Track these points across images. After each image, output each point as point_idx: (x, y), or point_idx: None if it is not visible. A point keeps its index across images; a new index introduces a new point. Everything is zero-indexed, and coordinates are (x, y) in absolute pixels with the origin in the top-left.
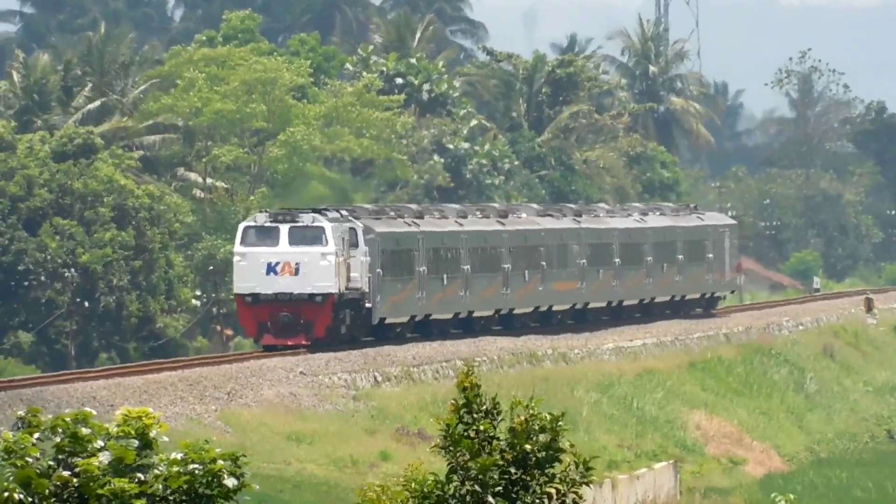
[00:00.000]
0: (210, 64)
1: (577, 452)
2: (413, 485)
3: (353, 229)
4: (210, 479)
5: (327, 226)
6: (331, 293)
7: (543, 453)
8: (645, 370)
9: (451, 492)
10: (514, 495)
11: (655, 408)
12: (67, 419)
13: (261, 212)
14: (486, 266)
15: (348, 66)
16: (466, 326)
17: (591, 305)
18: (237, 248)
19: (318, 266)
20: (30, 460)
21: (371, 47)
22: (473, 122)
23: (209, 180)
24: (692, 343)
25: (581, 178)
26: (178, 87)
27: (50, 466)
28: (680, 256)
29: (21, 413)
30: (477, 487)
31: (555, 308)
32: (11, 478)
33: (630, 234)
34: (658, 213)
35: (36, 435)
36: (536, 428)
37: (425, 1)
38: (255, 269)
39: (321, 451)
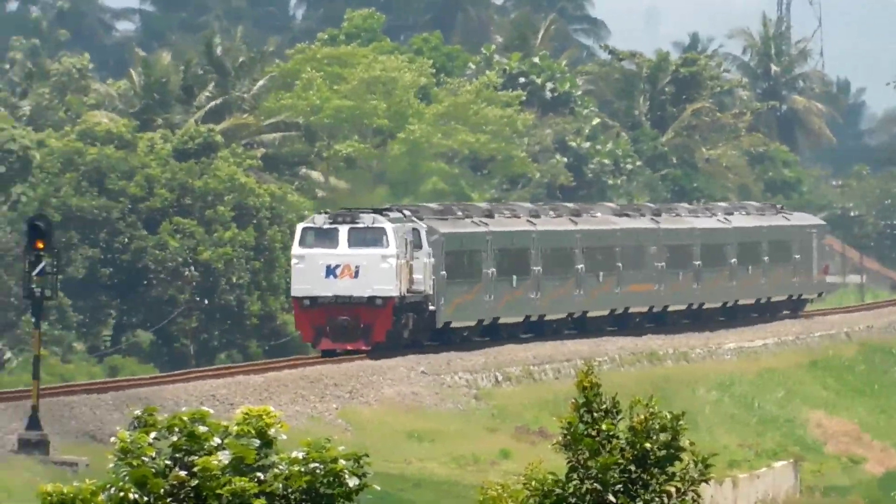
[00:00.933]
0: (332, 63)
1: (697, 451)
2: (533, 483)
3: (416, 230)
4: (331, 478)
5: (388, 227)
6: (391, 296)
7: (663, 452)
8: (765, 369)
9: (571, 490)
10: (633, 494)
11: (776, 407)
12: (184, 418)
13: (320, 212)
14: (559, 267)
15: (471, 65)
16: (537, 330)
17: (670, 308)
18: (295, 249)
19: (379, 268)
20: (146, 460)
21: (493, 47)
22: (595, 121)
23: (330, 179)
24: (813, 342)
25: (703, 176)
26: (299, 85)
27: (167, 466)
28: (765, 258)
29: (137, 412)
30: (597, 486)
31: (631, 310)
32: (127, 477)
33: (712, 235)
34: (743, 213)
35: (152, 434)
36: (657, 426)
37: (547, 0)
38: (313, 271)
39: (442, 450)
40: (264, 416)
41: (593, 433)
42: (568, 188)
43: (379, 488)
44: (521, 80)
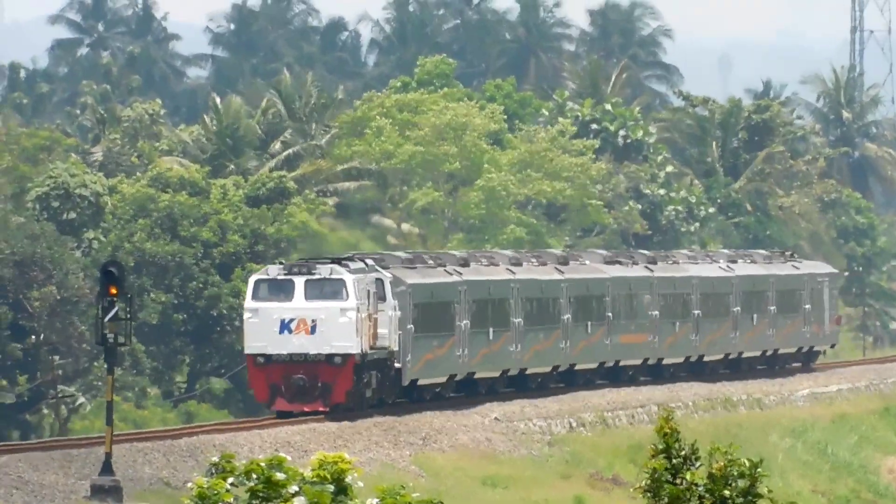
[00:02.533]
0: (402, 109)
1: (775, 498)
2: None
3: (380, 280)
4: None
5: (348, 278)
6: (351, 353)
7: (742, 499)
8: (839, 415)
9: None
10: None
11: (849, 453)
12: (262, 464)
13: (274, 263)
14: (542, 318)
15: (544, 111)
16: (520, 385)
17: (665, 361)
18: (247, 303)
19: (337, 323)
20: None
21: (566, 93)
22: (669, 168)
23: (403, 226)
24: (886, 388)
25: (776, 223)
26: (370, 132)
27: None
28: (772, 308)
29: (215, 459)
30: None
31: (623, 363)
32: None
33: (713, 284)
34: (748, 261)
35: (230, 480)
36: (735, 474)
37: (619, 46)
38: (267, 326)
39: (516, 496)
40: (339, 463)
41: (677, 481)
42: (642, 235)
43: None
44: (594, 126)
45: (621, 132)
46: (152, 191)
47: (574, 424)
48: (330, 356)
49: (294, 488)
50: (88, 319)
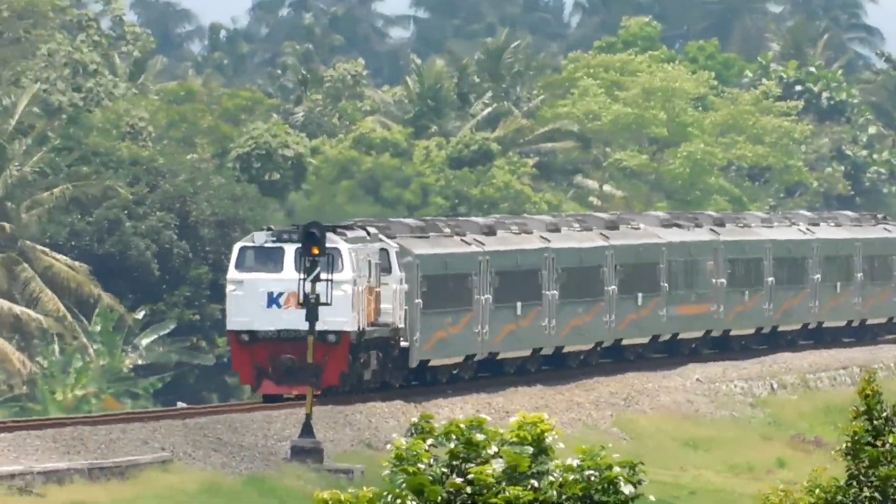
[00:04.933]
0: (608, 70)
1: None
2: (818, 491)
3: (384, 251)
4: (606, 485)
5: (343, 247)
6: (346, 331)
7: None
8: None
9: (851, 499)
10: None
11: None
12: (461, 425)
13: (261, 229)
14: (582, 290)
15: (747, 73)
16: (556, 364)
17: (732, 332)
18: (231, 273)
19: (332, 297)
20: (422, 467)
21: (770, 55)
22: (872, 130)
23: (606, 187)
24: None
25: None
26: (575, 93)
27: (443, 473)
28: (859, 274)
29: (414, 419)
30: (877, 495)
31: (681, 336)
32: (403, 485)
33: (789, 248)
34: (832, 224)
35: (429, 441)
36: None
37: (822, 7)
38: (252, 300)
39: (717, 458)
40: (539, 424)
41: (878, 443)
42: (845, 196)
43: (653, 497)
44: (797, 88)
45: (825, 94)
46: (355, 152)
47: (775, 386)
48: (323, 333)
49: (493, 449)
50: None
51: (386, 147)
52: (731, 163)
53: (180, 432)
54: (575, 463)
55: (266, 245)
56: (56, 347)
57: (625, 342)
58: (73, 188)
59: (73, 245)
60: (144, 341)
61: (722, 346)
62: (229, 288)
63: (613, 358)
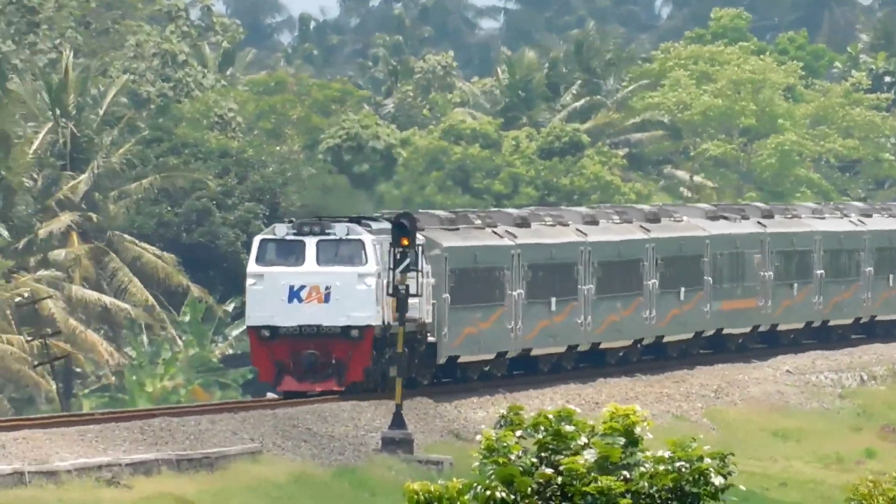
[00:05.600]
0: (698, 61)
1: None
2: None
3: None
4: (697, 476)
5: (367, 238)
6: (370, 325)
7: None
8: None
9: None
10: None
11: None
12: (550, 416)
13: (283, 222)
14: (620, 285)
15: (837, 64)
16: (596, 361)
17: (780, 327)
18: (251, 267)
19: (355, 291)
20: (512, 458)
21: (859, 46)
22: None
23: (696, 178)
24: None
25: None
26: (665, 84)
27: (533, 464)
28: None
29: (503, 411)
30: None
31: (727, 331)
32: (493, 476)
33: (840, 240)
34: (885, 215)
35: (518, 432)
36: None
37: None
38: (273, 294)
39: (807, 449)
40: (630, 415)
41: None
42: None
43: (744, 487)
44: (887, 79)
45: None
46: (445, 143)
47: (865, 377)
48: (346, 328)
49: (583, 440)
50: None
51: (476, 138)
52: (821, 156)
53: (270, 423)
54: (666, 454)
55: (287, 238)
56: (144, 338)
57: (666, 339)
58: (161, 179)
59: (162, 235)
60: (234, 332)
61: (770, 342)
62: (249, 282)
63: (656, 355)
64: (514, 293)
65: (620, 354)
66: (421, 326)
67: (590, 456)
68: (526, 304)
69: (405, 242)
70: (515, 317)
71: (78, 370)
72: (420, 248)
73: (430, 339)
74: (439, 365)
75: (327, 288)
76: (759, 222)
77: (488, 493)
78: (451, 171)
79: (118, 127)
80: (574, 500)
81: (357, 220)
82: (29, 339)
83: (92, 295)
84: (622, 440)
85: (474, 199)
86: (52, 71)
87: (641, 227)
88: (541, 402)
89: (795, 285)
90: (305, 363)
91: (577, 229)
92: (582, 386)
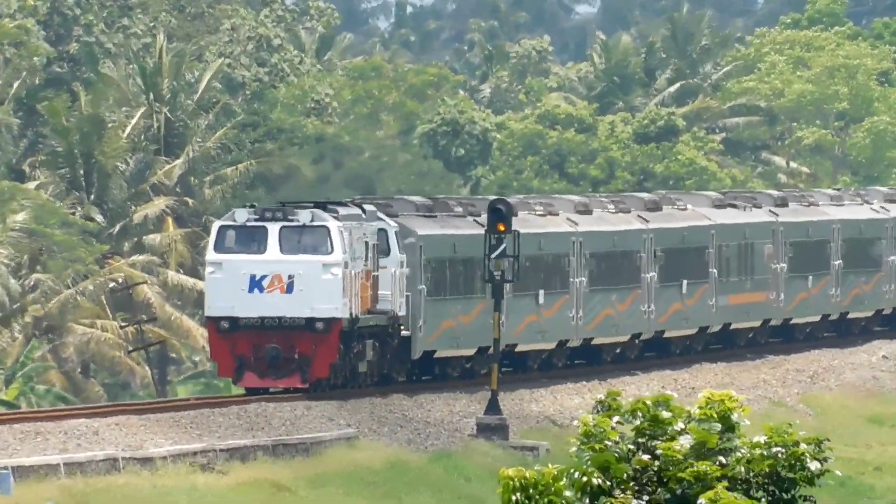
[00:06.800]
0: (793, 46)
1: None
2: None
3: (382, 231)
4: (793, 462)
5: (332, 225)
6: (336, 318)
7: None
8: None
9: None
10: None
11: None
12: (647, 402)
13: (244, 206)
14: (614, 278)
15: None
16: (589, 357)
17: (794, 321)
18: (210, 254)
19: (320, 281)
20: (608, 444)
21: None
22: None
23: (792, 164)
24: None
25: None
26: (761, 69)
27: (629, 450)
28: None
29: (600, 397)
30: None
31: (734, 327)
32: (589, 462)
33: (860, 228)
34: None
35: (615, 418)
36: None
37: None
38: (233, 284)
39: None
40: (727, 401)
41: None
42: None
43: (839, 472)
44: None
45: None
46: (540, 128)
47: None
48: (310, 321)
49: (679, 426)
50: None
51: (571, 123)
52: None
53: (366, 409)
54: (762, 440)
55: (248, 224)
56: None
57: (668, 334)
58: (257, 164)
59: None
60: None
61: (784, 336)
62: (207, 270)
63: (658, 352)
64: None
65: (617, 351)
66: (393, 319)
67: (686, 442)
68: (512, 298)
69: (501, 228)
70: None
71: (173, 356)
72: (394, 234)
73: (405, 332)
74: (415, 360)
75: (290, 277)
76: (771, 211)
77: (584, 479)
78: (547, 156)
79: (213, 111)
80: (670, 485)
81: (323, 206)
82: (124, 324)
83: (188, 280)
84: (718, 426)
85: (570, 185)
86: (145, 55)
87: (639, 216)
88: (637, 388)
89: (811, 277)
90: (267, 358)
91: (568, 219)
92: (678, 371)
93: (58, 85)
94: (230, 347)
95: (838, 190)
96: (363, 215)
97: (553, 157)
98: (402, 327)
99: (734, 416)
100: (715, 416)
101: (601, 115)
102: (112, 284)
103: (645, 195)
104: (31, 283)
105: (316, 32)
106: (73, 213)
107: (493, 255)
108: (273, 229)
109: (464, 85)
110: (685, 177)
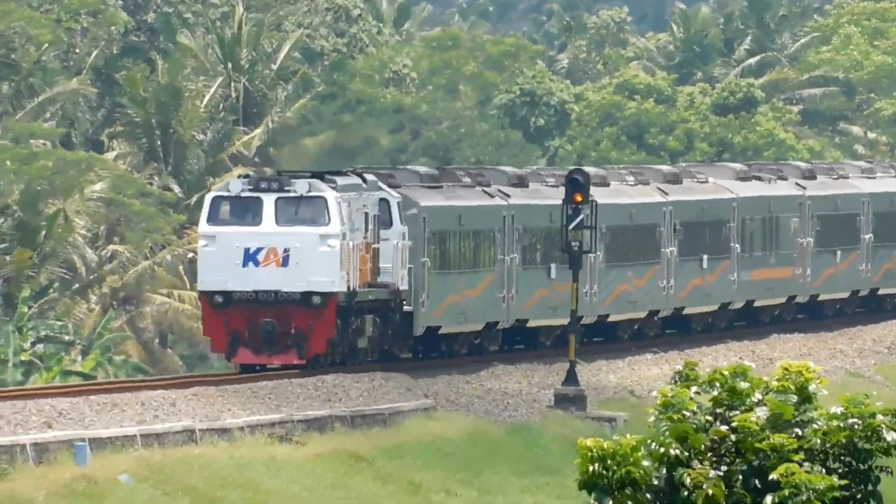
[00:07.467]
0: (871, 17)
1: None
2: None
3: (384, 201)
4: (870, 433)
5: (331, 196)
6: (334, 292)
7: None
8: None
9: None
10: None
11: None
12: (725, 373)
13: (239, 177)
14: (632, 253)
15: None
16: (605, 334)
17: (821, 297)
18: (202, 227)
19: (317, 253)
20: (686, 414)
21: None
22: None
23: (871, 134)
24: None
25: None
26: (837, 40)
27: (707, 421)
28: None
29: (678, 367)
30: None
31: (758, 304)
32: (667, 432)
33: (893, 201)
34: None
35: (693, 389)
36: None
37: None
38: (227, 257)
39: None
40: (804, 372)
41: None
42: None
43: None
44: None
45: None
46: (619, 98)
47: None
48: (306, 295)
49: (757, 397)
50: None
51: (650, 93)
52: None
53: (444, 381)
54: (839, 411)
55: (242, 195)
56: None
57: (687, 311)
58: (336, 135)
59: None
60: None
61: (810, 314)
62: (200, 243)
63: (679, 329)
64: (507, 258)
65: (635, 328)
66: (395, 293)
67: (762, 413)
68: (521, 271)
69: (579, 199)
70: (509, 284)
71: None
72: (396, 205)
73: (406, 307)
74: (417, 337)
75: (286, 250)
76: (797, 184)
77: (662, 449)
78: (625, 127)
79: (292, 81)
80: (747, 456)
81: (320, 176)
82: None
83: None
84: (795, 397)
85: (649, 156)
86: (223, 25)
87: (659, 188)
88: (714, 358)
89: (839, 252)
90: (262, 333)
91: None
92: (756, 342)
93: (135, 55)
94: (224, 322)
95: (870, 162)
96: (364, 185)
97: (631, 129)
98: (404, 302)
99: (811, 388)
100: (792, 387)
101: (680, 86)
102: (191, 255)
103: (664, 167)
104: (108, 253)
105: (395, 3)
106: (151, 184)
107: (571, 227)
108: (268, 200)
109: (542, 55)
110: (763, 148)
